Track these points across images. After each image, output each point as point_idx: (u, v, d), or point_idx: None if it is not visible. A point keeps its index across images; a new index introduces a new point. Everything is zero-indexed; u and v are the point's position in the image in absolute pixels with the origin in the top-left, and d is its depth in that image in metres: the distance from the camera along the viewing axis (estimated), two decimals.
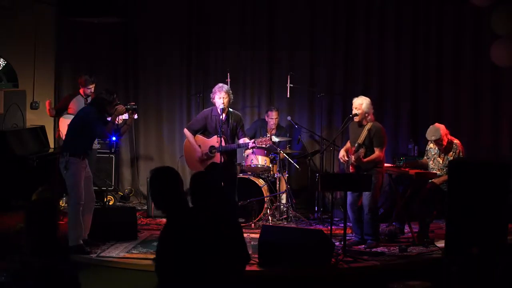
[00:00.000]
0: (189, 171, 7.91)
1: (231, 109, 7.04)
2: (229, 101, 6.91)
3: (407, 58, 8.50)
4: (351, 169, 6.49)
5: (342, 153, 6.70)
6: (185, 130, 7.14)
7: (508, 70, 7.76)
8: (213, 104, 6.95)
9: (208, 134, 7.04)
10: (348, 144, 6.73)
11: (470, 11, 8.08)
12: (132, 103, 6.55)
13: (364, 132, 6.43)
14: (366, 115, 6.49)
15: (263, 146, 6.96)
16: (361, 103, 6.49)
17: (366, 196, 6.41)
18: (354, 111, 6.50)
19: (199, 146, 7.04)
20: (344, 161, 6.64)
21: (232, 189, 6.79)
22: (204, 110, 7.31)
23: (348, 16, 8.62)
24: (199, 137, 7.06)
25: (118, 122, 6.43)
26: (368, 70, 8.61)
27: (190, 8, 8.95)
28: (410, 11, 8.47)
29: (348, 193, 6.40)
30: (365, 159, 6.33)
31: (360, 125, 6.51)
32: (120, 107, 6.30)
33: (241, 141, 6.91)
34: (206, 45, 8.92)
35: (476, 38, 8.21)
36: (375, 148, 6.37)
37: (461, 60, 8.33)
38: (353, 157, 6.38)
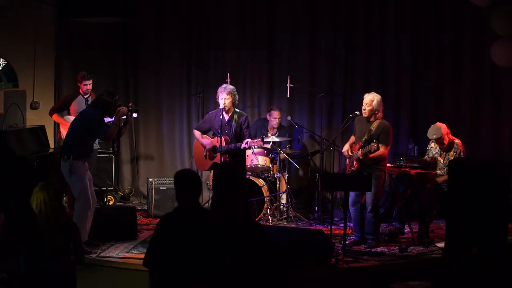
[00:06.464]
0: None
1: (237, 110, 7.21)
2: (232, 101, 7.11)
3: (407, 58, 8.49)
4: (355, 164, 6.48)
5: (346, 147, 6.70)
6: (194, 131, 7.48)
7: (508, 70, 7.75)
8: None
9: (214, 135, 7.27)
10: (352, 139, 6.73)
11: (470, 11, 8.08)
12: (132, 105, 6.53)
13: (371, 129, 6.43)
14: (376, 112, 6.48)
15: (255, 146, 7.16)
16: (372, 99, 6.48)
17: (369, 194, 6.41)
18: (364, 107, 6.49)
19: (205, 146, 7.32)
20: (348, 156, 6.64)
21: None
22: (211, 111, 7.56)
23: (348, 16, 8.61)
24: (205, 137, 7.37)
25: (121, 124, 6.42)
26: (368, 70, 8.61)
27: (190, 8, 8.94)
28: (410, 11, 8.46)
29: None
30: (370, 155, 6.33)
31: (368, 121, 6.51)
32: (123, 109, 6.27)
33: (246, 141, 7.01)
34: (206, 45, 8.92)
35: (476, 38, 8.21)
36: (380, 145, 6.35)
37: (461, 60, 8.33)
38: (360, 151, 6.37)
